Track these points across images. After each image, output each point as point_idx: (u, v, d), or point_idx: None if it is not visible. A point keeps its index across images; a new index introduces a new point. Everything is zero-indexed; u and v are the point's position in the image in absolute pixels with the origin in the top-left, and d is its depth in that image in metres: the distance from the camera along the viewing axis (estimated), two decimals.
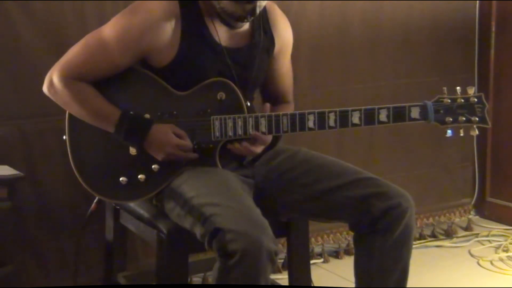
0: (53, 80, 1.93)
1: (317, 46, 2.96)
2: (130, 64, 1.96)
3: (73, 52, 1.95)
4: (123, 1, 2.22)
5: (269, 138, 1.99)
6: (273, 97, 2.17)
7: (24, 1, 2.35)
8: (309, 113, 1.94)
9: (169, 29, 1.93)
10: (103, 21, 2.03)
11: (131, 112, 1.93)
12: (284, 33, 2.13)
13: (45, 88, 1.96)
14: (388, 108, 1.93)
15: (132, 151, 1.96)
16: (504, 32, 3.42)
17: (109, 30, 1.93)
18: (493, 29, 3.43)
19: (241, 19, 1.94)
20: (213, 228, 1.70)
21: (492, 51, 3.45)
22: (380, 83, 3.17)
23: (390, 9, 3.13)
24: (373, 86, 3.14)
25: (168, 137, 1.92)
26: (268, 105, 1.99)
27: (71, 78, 1.92)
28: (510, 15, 3.39)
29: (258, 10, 1.94)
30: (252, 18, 1.96)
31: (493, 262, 3.03)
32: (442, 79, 3.25)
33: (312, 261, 2.79)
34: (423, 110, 1.94)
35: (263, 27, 2.07)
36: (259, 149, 1.99)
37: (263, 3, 1.95)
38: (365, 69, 3.13)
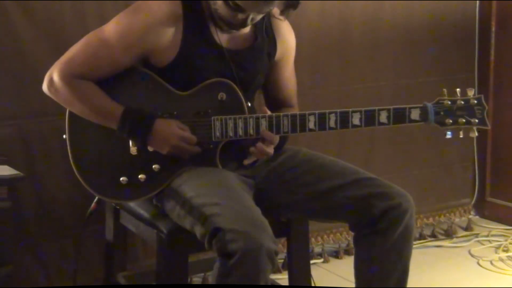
0: (53, 79, 1.93)
1: (317, 46, 2.96)
2: (131, 63, 1.96)
3: (74, 51, 1.95)
4: (123, 1, 2.22)
5: (277, 138, 1.99)
6: (277, 101, 2.17)
7: (24, 1, 2.34)
8: (309, 114, 1.94)
9: (171, 29, 1.93)
10: (103, 21, 2.03)
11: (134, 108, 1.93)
12: (287, 39, 2.13)
13: (45, 87, 1.96)
14: (388, 110, 1.93)
15: (133, 150, 1.96)
16: (504, 32, 3.42)
17: (111, 29, 1.93)
18: (493, 29, 3.43)
19: (232, 26, 1.94)
20: (213, 228, 1.70)
21: (492, 51, 3.45)
22: (380, 83, 3.17)
23: (390, 9, 3.13)
24: (373, 86, 3.14)
25: (172, 129, 1.92)
26: (265, 108, 1.99)
27: (71, 76, 1.92)
28: (510, 15, 3.39)
29: (249, 22, 1.93)
30: (242, 28, 1.96)
31: (493, 262, 3.03)
32: (442, 79, 3.25)
33: (312, 261, 2.79)
34: (423, 111, 1.94)
35: (266, 31, 2.06)
36: (271, 149, 1.98)
37: (257, 17, 1.94)
38: (365, 69, 3.13)
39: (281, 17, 2.02)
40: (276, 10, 2.02)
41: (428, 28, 3.26)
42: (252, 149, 1.95)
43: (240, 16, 1.90)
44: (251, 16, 1.91)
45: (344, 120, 1.94)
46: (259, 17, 1.95)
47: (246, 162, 2.00)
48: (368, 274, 1.98)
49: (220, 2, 1.90)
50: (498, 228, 3.43)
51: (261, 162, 2.08)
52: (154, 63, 1.97)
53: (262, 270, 1.69)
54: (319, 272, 2.90)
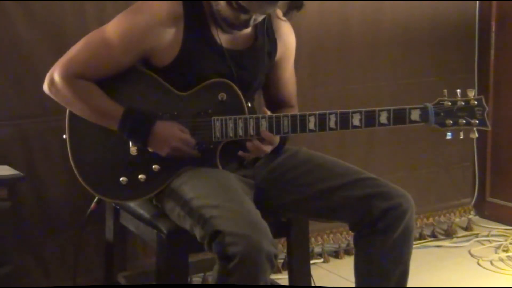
0: (54, 79, 1.93)
1: (317, 46, 2.96)
2: (132, 63, 1.96)
3: (75, 50, 1.95)
4: (123, 1, 2.22)
5: (277, 139, 1.99)
6: (276, 102, 2.17)
7: (24, 1, 2.34)
8: (309, 115, 1.94)
9: (172, 29, 1.93)
10: (103, 21, 2.03)
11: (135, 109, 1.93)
12: (287, 39, 2.13)
13: (45, 87, 1.96)
14: (388, 110, 1.93)
15: (133, 150, 1.96)
16: (504, 32, 3.42)
17: (112, 28, 1.93)
18: (493, 29, 3.43)
19: (234, 27, 1.94)
20: (213, 230, 1.70)
21: (492, 51, 3.45)
22: (380, 83, 3.17)
23: (390, 9, 3.13)
24: (373, 86, 3.14)
25: (172, 130, 1.92)
26: (265, 109, 1.99)
27: (73, 76, 1.92)
28: (510, 15, 3.39)
29: (251, 23, 1.93)
30: (245, 29, 1.96)
31: (493, 262, 3.03)
32: (442, 79, 3.25)
33: (312, 261, 2.79)
34: (424, 112, 1.94)
35: (267, 32, 2.06)
36: (268, 148, 1.99)
37: (259, 18, 1.94)
38: (365, 69, 3.13)
39: (284, 18, 2.02)
40: (279, 11, 2.02)
41: (428, 28, 3.26)
42: (248, 143, 1.95)
43: (243, 17, 1.90)
44: (253, 17, 1.91)
45: (344, 121, 1.93)
46: (261, 18, 1.95)
47: (242, 153, 1.99)
48: (368, 274, 1.98)
49: (222, 3, 1.89)
50: (498, 228, 3.43)
51: (261, 162, 2.08)
52: (155, 63, 1.97)
53: (261, 273, 1.68)
54: (319, 272, 2.90)
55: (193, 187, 1.88)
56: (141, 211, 2.07)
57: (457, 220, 3.48)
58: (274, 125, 1.94)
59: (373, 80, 3.14)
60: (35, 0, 2.36)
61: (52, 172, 2.44)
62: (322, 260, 3.03)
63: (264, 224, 1.74)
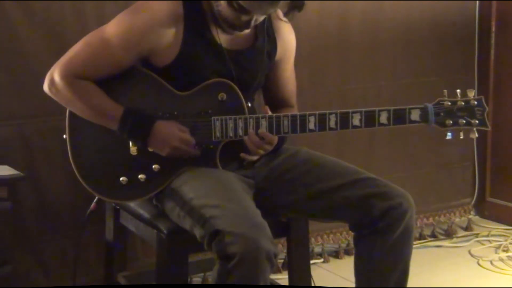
0: (54, 79, 1.93)
1: (317, 46, 2.96)
2: (132, 63, 1.96)
3: (75, 51, 1.95)
4: (123, 1, 2.22)
5: (276, 139, 1.99)
6: (276, 101, 2.16)
7: (24, 1, 2.34)
8: (309, 115, 1.94)
9: (171, 30, 1.93)
10: (103, 21, 2.03)
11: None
12: (287, 39, 2.13)
13: (45, 87, 1.96)
14: (388, 111, 1.93)
15: (133, 150, 1.96)
16: (504, 32, 3.42)
17: (112, 29, 1.93)
18: (493, 29, 3.43)
19: (235, 28, 1.94)
20: (212, 230, 1.70)
21: (492, 51, 3.45)
22: (380, 83, 3.17)
23: (390, 9, 3.13)
24: (372, 86, 3.14)
25: (172, 130, 1.92)
26: (267, 108, 1.99)
27: (73, 76, 1.92)
28: (510, 15, 3.39)
29: (252, 24, 1.93)
30: (246, 30, 1.96)
31: (493, 262, 3.03)
32: (442, 79, 3.25)
33: (312, 261, 2.79)
34: (424, 112, 1.93)
35: (267, 32, 2.06)
36: (268, 147, 1.98)
37: (260, 18, 1.94)
38: (365, 69, 3.13)
39: (285, 19, 2.02)
40: (279, 12, 2.02)
41: (428, 28, 3.26)
42: (246, 139, 1.94)
43: (244, 17, 1.90)
44: (254, 18, 1.91)
45: (344, 121, 1.93)
46: (262, 18, 1.95)
47: (243, 155, 1.99)
48: (368, 274, 1.98)
49: (223, 3, 1.89)
50: (498, 228, 3.43)
51: (261, 162, 2.08)
52: (155, 63, 1.97)
53: (261, 272, 1.68)
54: (319, 272, 2.91)
55: (193, 187, 1.88)
56: (141, 211, 2.07)
57: (457, 220, 3.48)
58: (274, 125, 1.94)
59: (373, 80, 3.14)
60: (35, 0, 2.36)
61: (52, 172, 2.44)
62: (322, 260, 3.03)
63: (264, 223, 1.74)
